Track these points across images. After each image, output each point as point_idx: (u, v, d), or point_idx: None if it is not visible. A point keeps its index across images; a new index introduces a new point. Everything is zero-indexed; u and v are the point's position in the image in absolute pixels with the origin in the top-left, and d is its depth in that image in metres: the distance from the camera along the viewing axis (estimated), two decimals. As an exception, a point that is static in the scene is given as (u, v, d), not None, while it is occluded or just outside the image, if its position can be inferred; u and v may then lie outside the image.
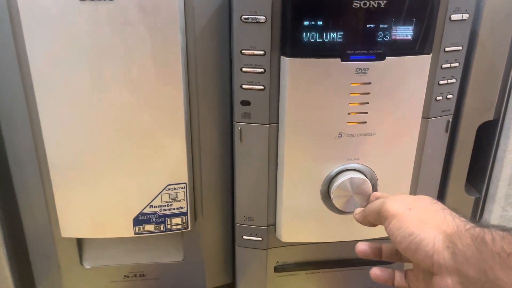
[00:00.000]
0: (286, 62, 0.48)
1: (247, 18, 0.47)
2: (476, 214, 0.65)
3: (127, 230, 0.57)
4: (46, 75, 0.48)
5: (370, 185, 0.53)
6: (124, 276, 0.63)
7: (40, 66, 0.47)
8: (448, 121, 0.55)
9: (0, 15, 0.47)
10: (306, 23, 0.46)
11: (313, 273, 0.63)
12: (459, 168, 0.62)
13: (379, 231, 0.58)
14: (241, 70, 0.49)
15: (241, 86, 0.50)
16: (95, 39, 0.47)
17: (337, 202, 0.53)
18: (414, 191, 0.57)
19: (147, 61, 0.48)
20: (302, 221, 0.56)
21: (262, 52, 0.48)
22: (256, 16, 0.46)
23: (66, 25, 0.46)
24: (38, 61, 0.47)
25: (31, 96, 0.49)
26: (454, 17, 0.49)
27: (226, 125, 0.56)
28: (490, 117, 0.59)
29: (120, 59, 0.48)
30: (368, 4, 0.45)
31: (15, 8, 0.46)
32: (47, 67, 0.48)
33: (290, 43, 0.47)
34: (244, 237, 0.59)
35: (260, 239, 0.58)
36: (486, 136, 0.62)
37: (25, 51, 0.47)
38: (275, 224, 0.58)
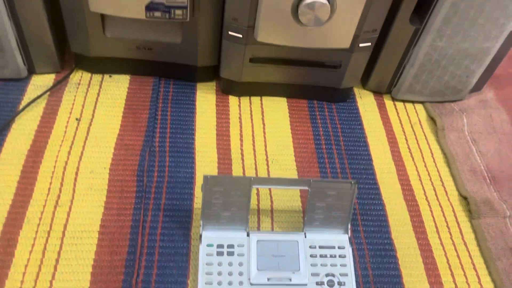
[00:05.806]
0: None
1: None
2: (412, 42, 0.82)
3: (140, 13, 0.73)
4: None
5: (329, 7, 0.69)
6: (136, 47, 0.82)
7: None
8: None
9: None
10: None
11: (278, 67, 0.82)
12: (409, -1, 0.76)
13: (333, 41, 0.76)
14: None
15: None
16: None
17: (302, 18, 0.70)
18: (366, 12, 0.72)
19: None
20: (274, 27, 0.73)
21: None
22: None
23: None
24: None
25: None
26: None
27: None
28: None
29: None
30: None
31: None
32: None
33: None
34: (229, 32, 0.76)
35: (241, 36, 0.76)
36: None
37: None
38: (254, 26, 0.75)
